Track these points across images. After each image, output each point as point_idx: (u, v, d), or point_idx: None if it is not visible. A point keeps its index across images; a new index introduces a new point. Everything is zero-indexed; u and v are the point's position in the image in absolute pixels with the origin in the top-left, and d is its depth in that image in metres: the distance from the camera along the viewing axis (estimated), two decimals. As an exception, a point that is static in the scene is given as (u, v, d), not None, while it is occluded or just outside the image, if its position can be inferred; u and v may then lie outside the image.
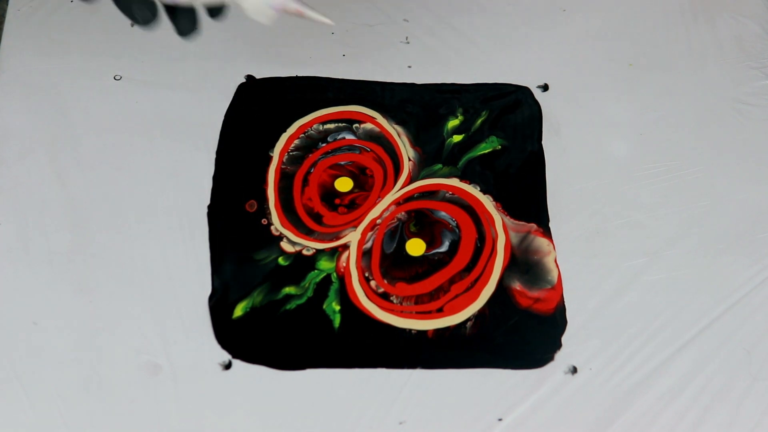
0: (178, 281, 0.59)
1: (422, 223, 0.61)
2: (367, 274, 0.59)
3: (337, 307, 0.58)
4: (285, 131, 0.65)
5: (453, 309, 0.58)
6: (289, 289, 0.59)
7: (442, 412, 0.55)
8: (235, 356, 0.56)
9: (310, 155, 0.64)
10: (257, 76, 0.67)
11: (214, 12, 0.51)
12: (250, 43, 0.69)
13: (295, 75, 0.67)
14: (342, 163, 0.64)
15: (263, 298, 0.58)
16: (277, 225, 0.61)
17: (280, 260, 0.60)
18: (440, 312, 0.58)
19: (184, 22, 0.50)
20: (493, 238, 0.61)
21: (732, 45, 0.70)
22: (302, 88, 0.67)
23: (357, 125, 0.65)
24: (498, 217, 0.62)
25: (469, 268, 0.59)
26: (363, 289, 0.59)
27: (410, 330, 0.57)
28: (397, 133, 0.65)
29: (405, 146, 0.65)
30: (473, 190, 0.63)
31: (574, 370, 0.56)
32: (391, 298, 0.58)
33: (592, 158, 0.65)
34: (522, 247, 0.60)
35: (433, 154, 0.64)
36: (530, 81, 0.68)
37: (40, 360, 0.56)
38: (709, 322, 0.58)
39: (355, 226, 0.61)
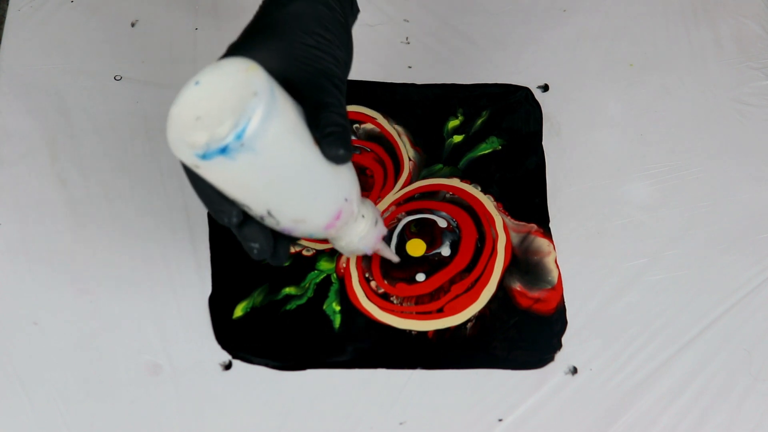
0: (178, 281, 0.59)
1: (422, 223, 0.61)
2: (367, 275, 0.59)
3: (338, 308, 0.58)
4: (285, 131, 0.65)
5: (453, 309, 0.58)
6: (289, 290, 0.59)
7: (443, 412, 0.55)
8: (235, 356, 0.56)
9: (311, 155, 0.64)
10: (257, 76, 0.67)
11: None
12: (250, 43, 0.69)
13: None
14: (342, 163, 0.64)
15: (263, 299, 0.58)
16: (277, 225, 0.61)
17: (281, 260, 0.60)
18: (440, 312, 0.58)
19: (283, 251, 0.50)
20: (493, 239, 0.61)
21: (732, 45, 0.70)
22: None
23: (357, 125, 0.65)
24: (498, 218, 0.62)
25: (469, 269, 0.59)
26: (363, 289, 0.59)
27: (410, 331, 0.57)
28: (397, 133, 0.65)
29: (405, 146, 0.65)
30: (474, 191, 0.63)
31: (575, 371, 0.56)
32: (392, 299, 0.58)
33: (592, 158, 0.65)
34: (522, 248, 0.60)
35: (434, 154, 0.64)
36: (530, 81, 0.68)
37: (40, 360, 0.56)
38: (709, 322, 0.58)
39: (356, 227, 0.61)
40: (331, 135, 0.45)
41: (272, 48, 0.47)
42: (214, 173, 0.44)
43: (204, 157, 0.42)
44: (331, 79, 0.47)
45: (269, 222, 0.47)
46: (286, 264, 0.57)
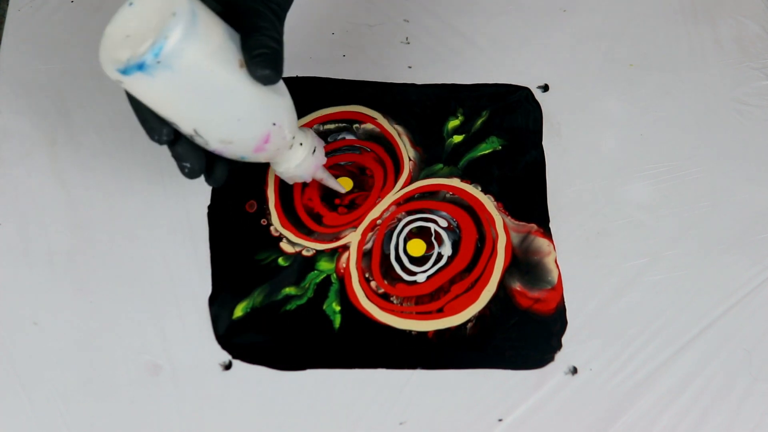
0: (178, 281, 0.59)
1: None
2: (367, 275, 0.59)
3: (338, 308, 0.58)
4: (285, 131, 0.65)
5: (453, 309, 0.58)
6: (289, 290, 0.59)
7: (443, 412, 0.55)
8: (235, 356, 0.56)
9: (310, 155, 0.64)
10: (257, 76, 0.67)
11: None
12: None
13: (295, 76, 0.67)
14: (342, 163, 0.64)
15: (263, 299, 0.58)
16: (277, 225, 0.61)
17: (280, 261, 0.60)
18: (440, 312, 0.58)
19: (220, 172, 0.53)
20: (493, 239, 0.61)
21: (732, 45, 0.70)
22: (303, 89, 0.66)
23: (357, 125, 0.65)
24: (498, 218, 0.62)
25: (469, 269, 0.59)
26: (363, 289, 0.59)
27: (410, 331, 0.57)
28: (397, 133, 0.65)
29: (405, 146, 0.65)
30: (474, 191, 0.63)
31: (575, 371, 0.56)
32: (392, 299, 0.58)
33: (592, 158, 0.65)
34: (522, 248, 0.60)
35: (434, 154, 0.64)
36: (530, 81, 0.68)
37: (40, 360, 0.56)
38: (709, 322, 0.58)
39: (355, 227, 0.61)
40: (259, 56, 0.47)
41: None
42: (137, 89, 0.47)
43: (124, 72, 0.45)
44: (267, 3, 0.49)
45: (199, 141, 0.50)
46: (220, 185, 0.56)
